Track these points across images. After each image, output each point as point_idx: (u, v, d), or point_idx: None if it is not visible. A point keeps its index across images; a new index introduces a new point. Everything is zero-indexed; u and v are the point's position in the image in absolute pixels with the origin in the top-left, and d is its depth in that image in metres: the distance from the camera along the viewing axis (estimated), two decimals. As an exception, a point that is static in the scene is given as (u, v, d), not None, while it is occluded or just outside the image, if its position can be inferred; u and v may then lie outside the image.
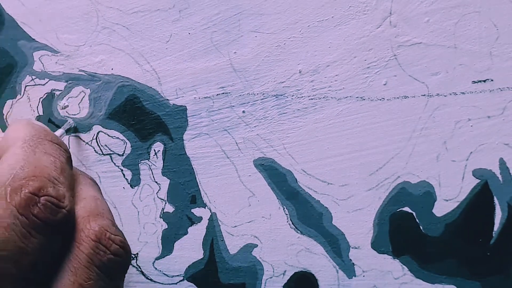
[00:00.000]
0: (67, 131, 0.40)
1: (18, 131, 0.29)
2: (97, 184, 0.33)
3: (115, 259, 0.26)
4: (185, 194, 0.40)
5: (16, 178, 0.25)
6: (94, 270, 0.26)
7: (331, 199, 0.37)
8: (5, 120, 0.42)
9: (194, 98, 0.39)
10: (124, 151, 0.40)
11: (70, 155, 0.30)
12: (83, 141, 0.41)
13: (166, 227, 0.40)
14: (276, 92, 0.38)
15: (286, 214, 0.38)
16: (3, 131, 0.42)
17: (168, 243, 0.40)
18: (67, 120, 0.41)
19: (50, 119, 0.41)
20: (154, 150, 0.40)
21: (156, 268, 0.40)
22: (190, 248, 0.40)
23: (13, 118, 0.42)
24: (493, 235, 0.35)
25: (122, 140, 0.40)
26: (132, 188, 0.40)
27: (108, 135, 0.40)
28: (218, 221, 0.39)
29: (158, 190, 0.40)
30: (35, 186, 0.25)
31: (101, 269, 0.26)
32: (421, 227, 0.36)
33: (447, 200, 0.36)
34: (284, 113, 0.38)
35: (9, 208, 0.24)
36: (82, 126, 0.41)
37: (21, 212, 0.24)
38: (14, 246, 0.24)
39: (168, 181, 0.40)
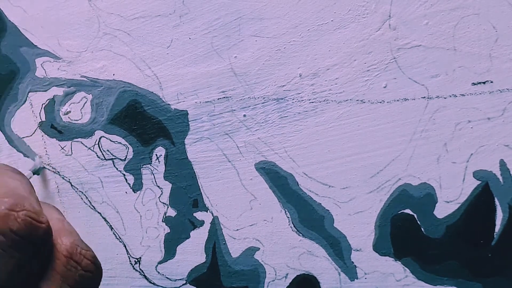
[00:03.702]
0: (35, 172, 0.40)
1: None
2: (59, 210, 0.33)
3: (86, 274, 0.26)
4: (187, 198, 0.40)
5: None
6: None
7: (332, 201, 0.37)
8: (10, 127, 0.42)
9: (195, 102, 0.39)
10: (126, 156, 0.41)
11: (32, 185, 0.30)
12: (86, 146, 0.41)
13: (169, 231, 0.40)
14: (277, 96, 0.38)
15: (288, 217, 0.38)
16: (5, 137, 0.42)
17: (170, 247, 0.40)
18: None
19: (52, 125, 0.41)
20: (156, 155, 0.40)
21: (159, 272, 0.40)
22: (192, 252, 0.40)
23: (16, 125, 0.42)
24: (494, 236, 0.35)
25: (124, 145, 0.40)
26: (134, 192, 0.41)
27: (110, 140, 0.41)
28: (220, 224, 0.39)
29: (160, 195, 0.40)
30: (10, 202, 0.23)
31: (73, 286, 0.26)
32: (422, 229, 0.36)
33: (448, 202, 0.36)
34: (285, 116, 0.38)
35: None
36: (85, 131, 0.41)
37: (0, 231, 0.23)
38: None
39: (170, 185, 0.40)
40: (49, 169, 0.41)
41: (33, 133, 0.42)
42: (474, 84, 0.35)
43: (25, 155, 0.42)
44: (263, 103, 0.38)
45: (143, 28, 0.39)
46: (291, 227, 0.38)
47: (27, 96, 0.42)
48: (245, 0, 0.38)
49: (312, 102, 0.37)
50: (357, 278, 0.38)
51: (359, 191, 0.37)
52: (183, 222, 0.40)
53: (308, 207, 0.38)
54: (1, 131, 0.43)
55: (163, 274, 0.40)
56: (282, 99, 0.38)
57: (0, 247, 0.23)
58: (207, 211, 0.39)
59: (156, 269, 0.40)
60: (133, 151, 0.40)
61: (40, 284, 0.25)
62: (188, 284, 0.40)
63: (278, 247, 0.39)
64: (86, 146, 0.41)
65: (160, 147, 0.40)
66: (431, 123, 0.36)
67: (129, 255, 0.41)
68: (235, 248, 0.39)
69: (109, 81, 0.40)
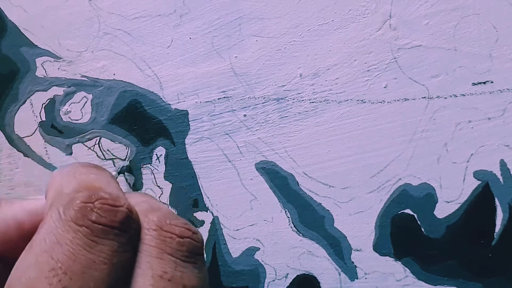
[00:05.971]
0: (119, 173, 0.40)
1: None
2: (150, 196, 0.32)
3: (184, 241, 0.25)
4: (187, 198, 0.40)
5: (63, 197, 0.24)
6: (167, 258, 0.24)
7: (332, 201, 0.37)
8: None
9: (196, 102, 0.39)
10: (126, 156, 0.40)
11: (114, 177, 0.29)
12: (86, 146, 0.41)
13: (169, 231, 0.40)
14: (277, 96, 0.38)
15: (288, 217, 0.38)
16: (6, 137, 0.42)
17: (170, 247, 0.40)
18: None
19: (52, 124, 0.41)
20: (156, 155, 0.40)
21: (159, 272, 0.40)
22: (192, 252, 0.40)
23: (17, 125, 0.42)
24: (495, 237, 0.35)
25: (124, 145, 0.40)
26: (134, 192, 0.41)
27: (110, 140, 0.41)
28: (220, 224, 0.39)
29: (161, 194, 0.40)
30: (85, 195, 0.23)
31: (174, 255, 0.24)
32: (422, 229, 0.36)
33: (448, 202, 0.36)
34: (285, 116, 0.38)
35: (66, 224, 0.23)
36: (85, 131, 0.41)
37: (79, 223, 0.23)
38: (85, 259, 0.23)
39: (170, 185, 0.40)
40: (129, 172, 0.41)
41: (33, 133, 0.42)
42: (474, 84, 0.35)
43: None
44: (263, 103, 0.38)
45: (143, 28, 0.39)
46: (291, 227, 0.38)
47: (27, 96, 0.42)
48: (246, 0, 0.38)
49: (313, 102, 0.37)
50: (357, 278, 0.37)
51: (359, 191, 0.37)
52: (183, 222, 0.40)
53: (308, 207, 0.38)
54: (1, 131, 0.43)
55: (163, 274, 0.40)
56: (282, 99, 0.38)
57: (88, 238, 0.23)
58: (207, 211, 0.39)
59: (156, 269, 0.40)
60: (133, 151, 0.40)
61: (136, 270, 0.24)
62: (188, 284, 0.40)
63: (278, 247, 0.38)
64: (86, 146, 0.41)
65: (160, 147, 0.40)
66: (431, 123, 0.36)
67: (129, 255, 0.41)
68: (235, 248, 0.39)
69: (109, 81, 0.40)
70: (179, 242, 0.25)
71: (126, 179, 0.41)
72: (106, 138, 0.41)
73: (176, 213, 0.40)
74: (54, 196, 0.25)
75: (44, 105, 0.42)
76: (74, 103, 0.41)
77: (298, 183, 0.38)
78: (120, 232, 0.23)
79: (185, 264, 0.25)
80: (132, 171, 0.41)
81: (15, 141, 0.42)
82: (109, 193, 0.24)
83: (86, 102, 0.41)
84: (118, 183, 0.28)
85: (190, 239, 0.25)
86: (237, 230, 0.39)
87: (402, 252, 0.37)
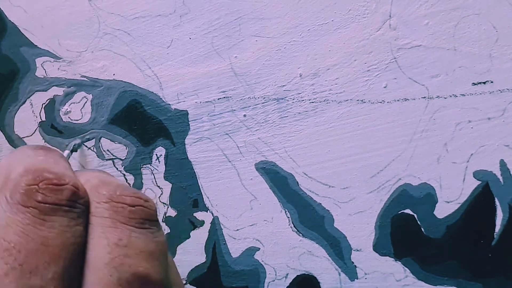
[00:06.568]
0: (72, 151, 0.40)
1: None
2: (104, 172, 0.32)
3: (136, 209, 0.25)
4: (187, 198, 0.40)
5: (9, 183, 0.24)
6: (121, 226, 0.24)
7: (332, 201, 0.37)
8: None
9: (196, 102, 0.39)
10: (126, 156, 0.40)
11: (64, 157, 0.29)
12: (86, 146, 0.41)
13: (169, 231, 0.40)
14: (277, 96, 0.38)
15: (288, 217, 0.38)
16: (6, 137, 0.42)
17: (170, 247, 0.40)
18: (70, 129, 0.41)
19: (52, 125, 0.41)
20: (156, 155, 0.40)
21: (159, 272, 0.40)
22: (192, 252, 0.40)
23: (17, 125, 0.42)
24: (495, 236, 0.35)
25: (124, 145, 0.40)
26: (134, 192, 0.40)
27: (110, 140, 0.41)
28: (220, 224, 0.39)
29: (161, 195, 0.40)
30: (29, 178, 0.24)
31: (128, 223, 0.24)
32: (422, 229, 0.36)
33: (448, 202, 0.36)
34: (285, 116, 0.38)
35: (14, 208, 0.23)
36: (85, 131, 0.41)
37: (27, 205, 0.23)
38: (37, 237, 0.23)
39: (170, 185, 0.40)
40: (86, 146, 0.41)
41: (33, 133, 0.42)
42: (474, 84, 0.35)
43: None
44: (263, 103, 0.38)
45: (143, 28, 0.39)
46: (291, 227, 0.38)
47: (27, 96, 0.42)
48: (245, 0, 0.38)
49: (313, 102, 0.37)
50: (357, 278, 0.37)
51: (359, 191, 0.37)
52: (183, 222, 0.40)
53: (308, 207, 0.38)
54: (1, 131, 0.43)
55: (163, 274, 0.40)
56: (282, 99, 0.38)
57: (37, 217, 0.24)
58: (207, 211, 0.39)
59: (156, 269, 0.40)
60: (133, 151, 0.40)
61: (90, 242, 0.25)
62: (188, 284, 0.40)
63: (278, 247, 0.38)
64: (86, 146, 0.41)
65: (160, 147, 0.40)
66: (431, 123, 0.36)
67: (129, 255, 0.41)
68: (235, 248, 0.39)
69: (109, 81, 0.40)
70: (131, 211, 0.25)
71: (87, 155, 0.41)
72: (106, 138, 0.41)
73: (176, 213, 0.40)
74: (1, 183, 0.25)
75: (44, 105, 0.42)
76: (74, 103, 0.41)
77: (298, 183, 0.38)
78: (68, 208, 0.24)
79: (140, 231, 0.25)
80: (82, 149, 0.41)
81: (15, 141, 0.42)
82: (54, 172, 0.24)
83: (86, 102, 0.41)
84: (68, 162, 0.28)
85: (142, 207, 0.26)
86: (237, 230, 0.39)
87: (402, 252, 0.37)
